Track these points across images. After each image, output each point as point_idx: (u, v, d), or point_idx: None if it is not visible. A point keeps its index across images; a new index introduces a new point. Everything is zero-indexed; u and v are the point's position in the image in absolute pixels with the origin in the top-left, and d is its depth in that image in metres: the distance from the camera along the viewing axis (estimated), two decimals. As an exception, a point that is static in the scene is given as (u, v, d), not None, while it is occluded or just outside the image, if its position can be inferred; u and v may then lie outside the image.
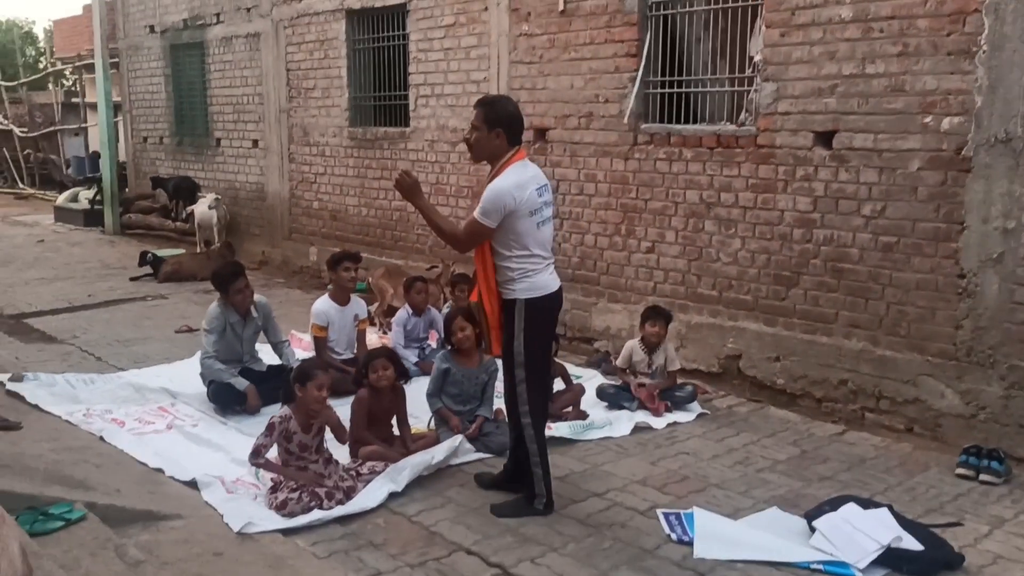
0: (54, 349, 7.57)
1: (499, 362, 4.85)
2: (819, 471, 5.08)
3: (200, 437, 5.47)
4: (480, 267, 4.43)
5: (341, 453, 4.93)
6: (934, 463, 5.22)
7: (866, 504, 4.30)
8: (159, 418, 5.76)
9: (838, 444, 5.56)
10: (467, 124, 8.63)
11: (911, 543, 3.99)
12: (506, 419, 5.49)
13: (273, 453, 4.62)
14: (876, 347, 5.85)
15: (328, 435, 4.75)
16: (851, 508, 4.21)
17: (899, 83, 5.61)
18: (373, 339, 7.24)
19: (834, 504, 4.28)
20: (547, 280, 4.40)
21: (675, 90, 7.01)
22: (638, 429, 5.71)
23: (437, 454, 4.98)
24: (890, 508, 4.28)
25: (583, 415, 5.85)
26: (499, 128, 4.33)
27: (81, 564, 3.49)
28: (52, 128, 23.86)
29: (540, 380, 4.48)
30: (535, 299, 4.34)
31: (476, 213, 4.27)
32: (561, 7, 7.55)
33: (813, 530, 4.15)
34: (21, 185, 23.53)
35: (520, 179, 4.29)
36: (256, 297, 6.24)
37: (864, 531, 4.03)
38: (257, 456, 4.54)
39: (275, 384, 5.63)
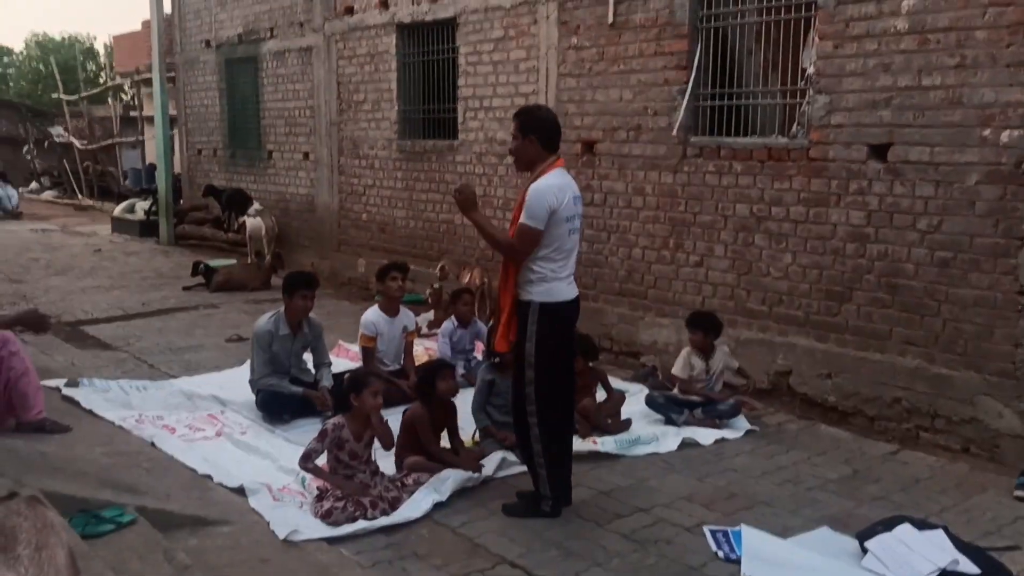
0: (109, 356, 7.72)
1: None
2: (871, 491, 4.97)
3: (248, 445, 5.52)
4: (503, 264, 4.51)
5: (386, 464, 4.94)
6: (991, 485, 5.07)
7: (921, 525, 4.19)
8: (209, 425, 5.83)
9: (891, 463, 5.44)
10: (515, 137, 8.67)
11: (968, 566, 3.88)
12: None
13: (322, 461, 4.64)
14: (931, 365, 5.72)
15: (375, 445, 4.77)
16: (905, 529, 4.11)
17: (956, 95, 5.50)
18: (419, 351, 7.26)
19: (887, 525, 4.18)
20: (564, 289, 4.46)
21: (726, 102, 6.95)
22: (685, 445, 5.64)
23: (484, 470, 4.97)
24: (945, 530, 4.16)
25: (626, 424, 5.80)
26: (532, 135, 4.43)
27: (130, 567, 3.53)
28: (110, 141, 24.41)
29: (551, 383, 4.48)
30: (549, 304, 4.40)
31: (523, 218, 4.32)
32: (611, 20, 7.54)
33: (865, 551, 4.05)
34: (80, 196, 24.09)
35: (560, 183, 4.38)
36: (311, 316, 6.30)
37: (919, 553, 3.93)
38: (307, 460, 4.57)
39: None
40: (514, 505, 4.61)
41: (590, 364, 5.97)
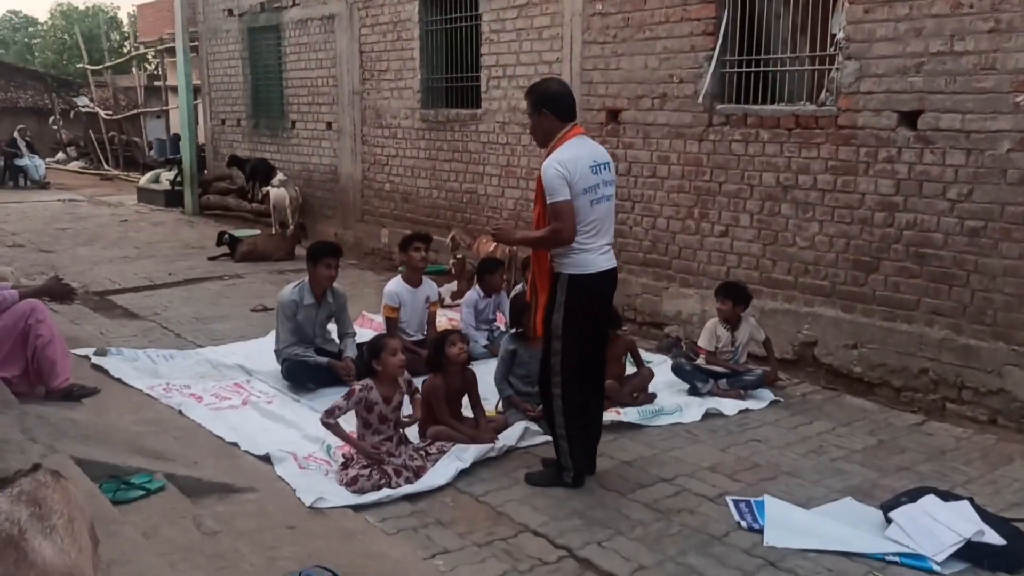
0: (136, 325, 7.80)
1: None
2: (896, 461, 4.94)
3: (274, 413, 5.57)
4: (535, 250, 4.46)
5: (410, 433, 4.98)
6: (1018, 456, 5.04)
7: (946, 496, 4.17)
8: (235, 394, 5.89)
9: (917, 434, 5.41)
10: (539, 105, 8.60)
11: (993, 537, 3.85)
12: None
13: (352, 428, 4.67)
14: (959, 335, 5.66)
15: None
16: (930, 500, 4.08)
17: (989, 61, 5.39)
18: (442, 321, 7.28)
19: (912, 495, 4.16)
20: (595, 260, 4.37)
21: (753, 69, 6.85)
22: (708, 415, 5.63)
23: (504, 441, 4.99)
24: (971, 501, 4.14)
25: (651, 398, 5.80)
26: (543, 108, 4.39)
27: (161, 532, 3.59)
28: (135, 111, 24.55)
29: (579, 356, 4.45)
30: (579, 276, 4.34)
31: (547, 199, 4.28)
32: (636, -14, 7.44)
33: (889, 521, 4.04)
34: (106, 166, 24.27)
35: (573, 154, 4.29)
36: (335, 285, 6.33)
37: (944, 523, 3.91)
38: (330, 415, 4.57)
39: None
40: (538, 474, 4.63)
41: (616, 333, 5.94)
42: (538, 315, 4.48)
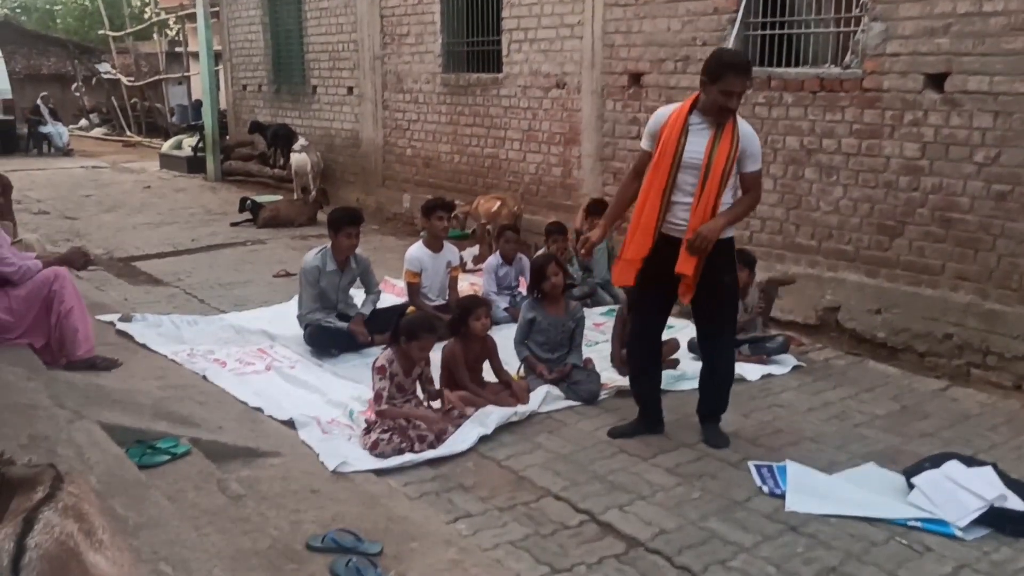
0: (160, 291, 7.87)
1: (585, 309, 5.10)
2: (920, 427, 4.92)
3: (297, 379, 5.61)
4: (702, 208, 4.28)
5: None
6: (1044, 422, 5.01)
7: (969, 462, 4.15)
8: (258, 359, 5.93)
9: (941, 400, 5.38)
10: (560, 69, 8.60)
11: (1016, 503, 3.84)
12: (594, 368, 5.51)
13: (367, 393, 4.72)
14: (985, 300, 5.61)
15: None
16: (953, 465, 4.07)
17: (1019, 22, 5.28)
18: (464, 286, 7.29)
19: (935, 461, 4.14)
20: None
21: (777, 31, 6.75)
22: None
23: (524, 407, 5.00)
24: (995, 467, 4.12)
25: (674, 363, 5.79)
26: (703, 77, 4.27)
27: (187, 496, 3.64)
28: (157, 77, 24.56)
29: None
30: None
31: (759, 164, 4.38)
32: (659, -54, 7.33)
33: (911, 487, 4.03)
34: (128, 133, 24.36)
35: None
36: (357, 251, 6.34)
37: (967, 489, 3.89)
38: (380, 401, 4.62)
39: (373, 323, 6.09)
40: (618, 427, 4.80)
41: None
42: (692, 279, 4.37)
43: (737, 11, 6.84)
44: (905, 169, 5.94)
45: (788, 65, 6.70)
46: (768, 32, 6.81)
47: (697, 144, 4.24)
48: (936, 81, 5.73)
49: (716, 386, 4.73)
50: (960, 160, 5.65)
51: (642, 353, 4.79)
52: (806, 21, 6.68)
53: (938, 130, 5.74)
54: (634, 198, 4.52)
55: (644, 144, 4.46)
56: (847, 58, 6.32)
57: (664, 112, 4.40)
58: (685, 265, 4.30)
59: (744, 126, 4.32)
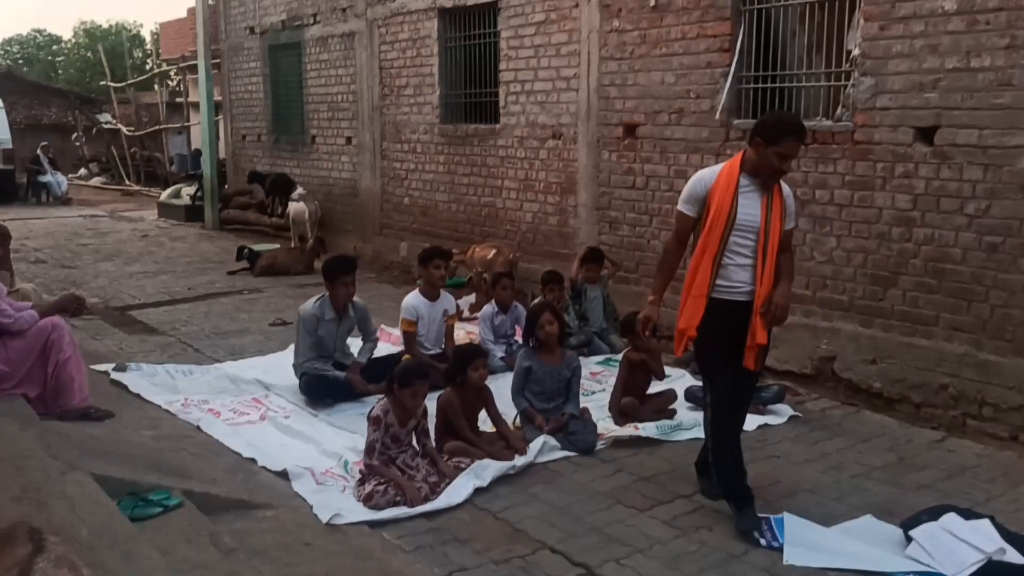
0: (156, 340, 7.86)
1: (582, 359, 4.82)
2: (917, 479, 4.90)
3: (292, 429, 5.59)
4: (767, 273, 4.19)
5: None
6: (1040, 473, 4.99)
7: (967, 515, 4.12)
8: (253, 409, 5.92)
9: (937, 451, 5.36)
10: (557, 120, 8.71)
11: (1015, 556, 3.81)
12: (591, 418, 5.50)
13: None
14: (979, 351, 5.62)
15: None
16: (951, 518, 4.04)
17: (1006, 77, 5.37)
18: (460, 335, 7.29)
19: (933, 513, 4.12)
20: None
21: (769, 85, 6.86)
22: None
23: (523, 457, 4.98)
24: (992, 519, 4.10)
25: (671, 413, 5.78)
26: (757, 138, 4.16)
27: (177, 550, 3.60)
28: (157, 127, 24.78)
29: None
30: None
31: (795, 223, 4.45)
32: (653, 2, 7.48)
33: (909, 540, 4.01)
34: (127, 182, 24.51)
35: None
36: (355, 298, 6.35)
37: (965, 542, 3.87)
38: (371, 454, 4.58)
39: (369, 372, 6.06)
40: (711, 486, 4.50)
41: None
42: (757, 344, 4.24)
43: (730, 65, 6.95)
44: (897, 220, 5.99)
45: (781, 118, 6.77)
46: (760, 86, 6.91)
47: (751, 206, 4.13)
48: (926, 134, 5.80)
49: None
50: (951, 212, 5.71)
51: (736, 422, 4.40)
52: (797, 75, 6.79)
53: (929, 182, 5.80)
54: (678, 264, 4.45)
55: (685, 209, 4.27)
56: (838, 111, 6.41)
57: (708, 176, 4.23)
58: (762, 335, 4.18)
59: (784, 185, 4.28)
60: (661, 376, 6.00)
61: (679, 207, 4.32)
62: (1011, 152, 5.38)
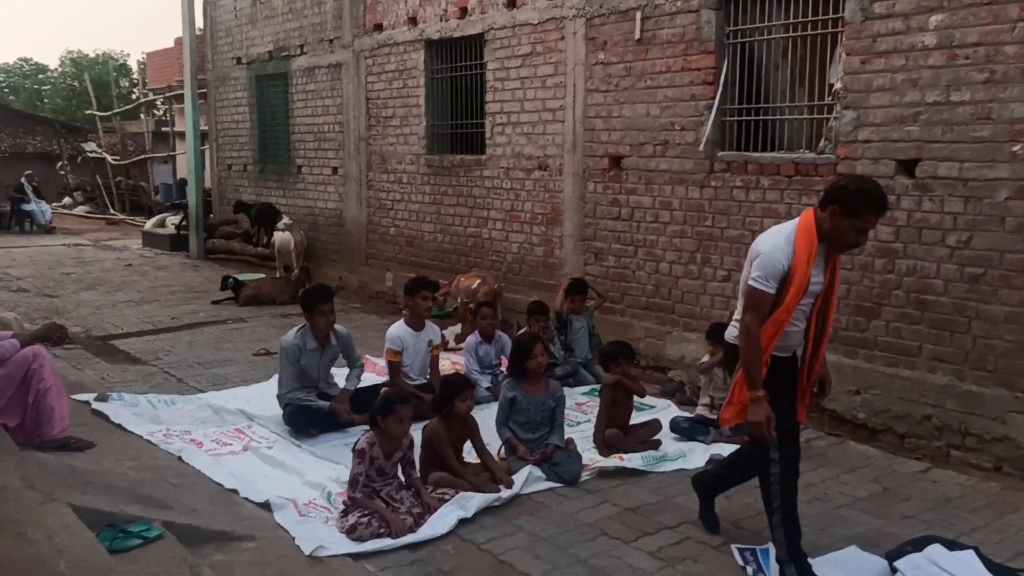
0: (138, 370, 7.80)
1: (567, 389, 4.78)
2: (901, 509, 4.90)
3: (275, 459, 5.55)
4: (819, 335, 4.09)
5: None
6: (1023, 504, 5.00)
7: (951, 545, 4.13)
8: (236, 439, 5.87)
9: (922, 482, 5.37)
10: (543, 151, 8.75)
11: (999, 588, 3.82)
12: (576, 449, 5.49)
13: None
14: (962, 382, 5.65)
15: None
16: (936, 549, 4.04)
17: (986, 111, 5.45)
18: (446, 365, 7.27)
19: (917, 544, 4.12)
20: None
21: (753, 118, 6.93)
22: (713, 462, 5.59)
23: (507, 492, 4.94)
24: (977, 550, 4.10)
25: (656, 444, 5.78)
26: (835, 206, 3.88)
27: (157, 582, 3.56)
28: (143, 156, 24.76)
29: None
30: None
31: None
32: (638, 36, 7.55)
33: (894, 571, 4.00)
34: (112, 211, 24.42)
35: None
36: (336, 326, 6.33)
37: (949, 573, 3.87)
38: (355, 487, 4.55)
39: (353, 403, 6.06)
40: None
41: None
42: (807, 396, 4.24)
43: (714, 98, 7.02)
44: (880, 252, 6.04)
45: (764, 150, 6.85)
46: (744, 118, 6.99)
47: (818, 273, 3.93)
48: (907, 167, 5.87)
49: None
50: (933, 243, 5.76)
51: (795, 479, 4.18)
52: (780, 108, 6.87)
53: (911, 214, 5.86)
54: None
55: (767, 287, 3.86)
56: (821, 144, 6.48)
57: (784, 247, 3.88)
58: (807, 394, 4.21)
59: None
60: (642, 392, 6.04)
61: (759, 286, 3.86)
62: (991, 184, 5.45)
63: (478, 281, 8.80)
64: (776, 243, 3.91)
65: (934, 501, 5.04)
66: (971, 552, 4.06)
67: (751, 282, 3.90)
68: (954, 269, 5.66)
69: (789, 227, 3.97)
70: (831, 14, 6.30)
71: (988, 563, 4.00)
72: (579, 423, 6.25)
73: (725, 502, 4.95)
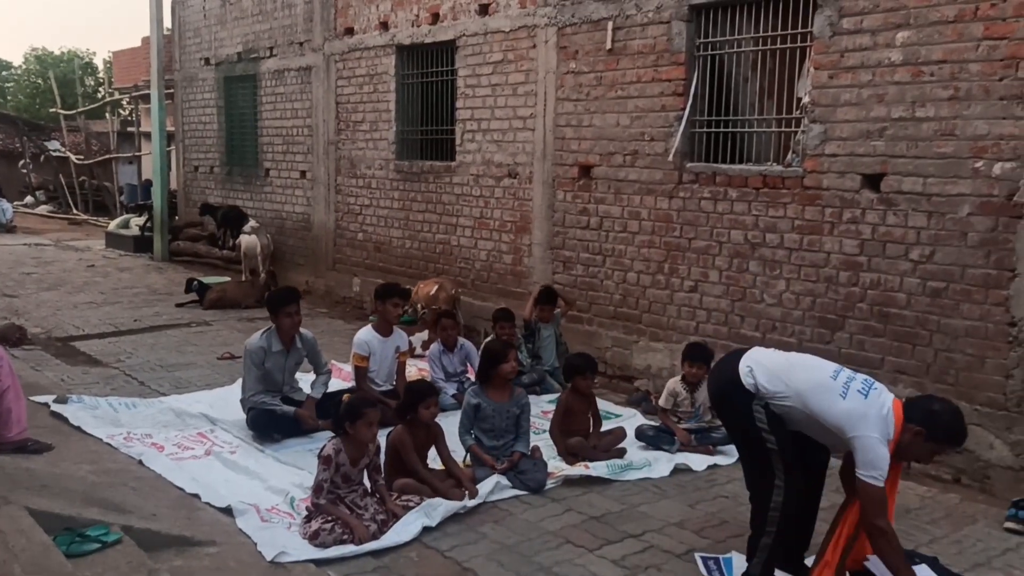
0: (99, 372, 7.68)
1: (533, 397, 4.81)
2: (862, 520, 4.94)
3: (238, 464, 5.48)
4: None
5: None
6: (982, 516, 5.06)
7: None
8: (198, 444, 5.80)
9: (882, 493, 5.41)
10: (512, 159, 8.76)
11: (958, 598, 3.86)
12: (542, 457, 5.48)
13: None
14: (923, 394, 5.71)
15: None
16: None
17: (950, 127, 5.53)
18: (412, 371, 7.24)
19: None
20: None
21: (722, 130, 6.99)
22: (677, 470, 5.62)
23: (472, 501, 4.92)
24: (935, 561, 4.16)
25: (621, 452, 5.79)
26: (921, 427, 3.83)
27: (115, 588, 3.51)
28: (107, 156, 24.45)
29: None
30: None
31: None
32: (609, 46, 7.59)
33: (855, 581, 4.03)
34: (75, 211, 24.08)
35: None
36: (302, 330, 6.28)
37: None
38: (319, 494, 4.50)
39: (318, 409, 5.98)
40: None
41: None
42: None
43: (684, 109, 7.07)
44: (845, 264, 6.11)
45: (732, 162, 6.91)
46: (713, 130, 7.04)
47: None
48: (873, 181, 5.95)
49: None
50: (896, 257, 5.84)
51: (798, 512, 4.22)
52: (749, 120, 6.93)
53: (875, 228, 5.94)
54: None
55: (883, 482, 3.77)
56: (788, 157, 6.55)
57: (886, 444, 3.79)
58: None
59: None
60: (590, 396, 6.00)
61: (879, 483, 3.74)
62: (954, 200, 5.53)
63: (436, 287, 8.79)
64: (881, 435, 3.79)
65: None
66: (929, 564, 4.11)
67: (871, 481, 3.72)
68: (917, 283, 5.74)
69: (886, 417, 3.83)
70: (800, 28, 6.38)
71: (946, 573, 4.05)
72: (545, 431, 6.23)
73: (688, 511, 4.98)
